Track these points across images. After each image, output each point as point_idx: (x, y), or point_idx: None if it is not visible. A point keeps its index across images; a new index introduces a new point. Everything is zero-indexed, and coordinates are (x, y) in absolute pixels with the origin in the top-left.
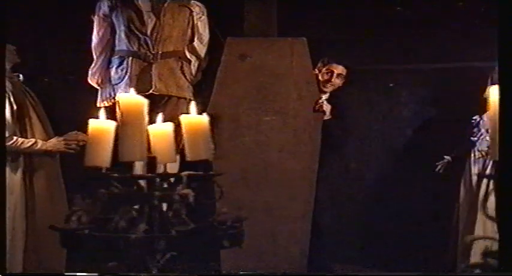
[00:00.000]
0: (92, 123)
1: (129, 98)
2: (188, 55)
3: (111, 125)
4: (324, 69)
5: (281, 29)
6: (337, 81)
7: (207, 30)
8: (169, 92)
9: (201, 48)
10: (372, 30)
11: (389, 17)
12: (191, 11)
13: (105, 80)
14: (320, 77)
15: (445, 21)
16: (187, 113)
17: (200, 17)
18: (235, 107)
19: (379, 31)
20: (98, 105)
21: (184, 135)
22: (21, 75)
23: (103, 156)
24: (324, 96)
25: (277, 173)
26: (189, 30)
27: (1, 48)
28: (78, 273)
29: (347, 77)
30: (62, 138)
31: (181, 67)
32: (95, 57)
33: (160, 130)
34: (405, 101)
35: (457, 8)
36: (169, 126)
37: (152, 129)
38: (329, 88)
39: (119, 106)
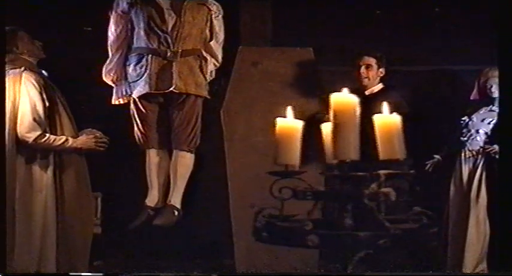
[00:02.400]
0: (280, 122)
1: (342, 97)
2: (204, 54)
3: (299, 124)
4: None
5: (276, 30)
6: (370, 73)
7: (222, 30)
8: (188, 90)
9: (217, 47)
10: (361, 32)
11: (378, 19)
12: (209, 10)
13: (121, 77)
14: (356, 74)
15: (433, 24)
16: (201, 111)
17: (217, 16)
18: (248, 110)
19: (368, 34)
20: (113, 102)
21: (378, 135)
22: (44, 71)
23: (293, 155)
24: (367, 92)
25: None
26: (207, 29)
27: (1, 47)
28: (82, 273)
29: (382, 66)
30: (92, 136)
31: (200, 65)
32: (110, 54)
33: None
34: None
35: (444, 12)
36: None
37: (325, 128)
38: (366, 82)
39: (330, 105)
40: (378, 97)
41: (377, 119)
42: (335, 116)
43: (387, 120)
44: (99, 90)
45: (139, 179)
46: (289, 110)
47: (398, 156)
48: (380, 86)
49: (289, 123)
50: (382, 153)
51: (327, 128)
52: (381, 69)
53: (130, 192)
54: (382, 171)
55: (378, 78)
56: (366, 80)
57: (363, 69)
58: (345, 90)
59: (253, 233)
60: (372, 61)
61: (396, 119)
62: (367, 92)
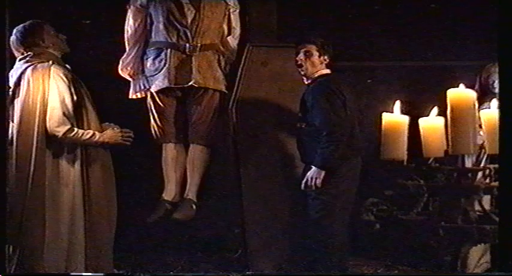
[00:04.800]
0: (386, 117)
1: (459, 93)
2: (221, 48)
3: (405, 119)
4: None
5: (281, 23)
6: (308, 61)
7: (239, 24)
8: (207, 84)
9: (233, 41)
10: (352, 27)
11: (370, 15)
12: (227, 5)
13: (138, 71)
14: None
15: (432, 20)
16: (222, 105)
17: (234, 11)
18: (258, 108)
19: (358, 28)
20: (130, 96)
21: (485, 130)
22: (67, 66)
23: (400, 150)
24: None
25: (295, 168)
26: (224, 24)
27: (1, 46)
28: (82, 273)
29: (324, 54)
30: (118, 130)
31: (218, 60)
32: (127, 48)
33: (432, 124)
34: (383, 97)
35: (442, 7)
36: (441, 120)
37: (424, 123)
38: (304, 70)
39: (446, 101)
40: (317, 81)
41: (484, 115)
42: (452, 111)
43: (493, 115)
44: (112, 85)
45: (155, 174)
46: (397, 105)
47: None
48: (324, 71)
49: (396, 118)
50: (490, 148)
51: (423, 123)
52: (324, 57)
53: (145, 186)
54: (491, 166)
55: (323, 64)
56: (304, 67)
57: (301, 56)
58: (461, 85)
59: (364, 225)
60: (312, 48)
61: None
62: (309, 80)
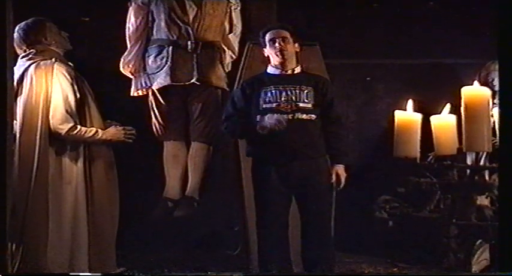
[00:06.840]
0: (399, 115)
1: (474, 90)
2: (223, 46)
3: (418, 117)
4: (267, 40)
5: (280, 21)
6: (288, 46)
7: (240, 22)
8: (209, 82)
9: (234, 39)
10: (351, 25)
11: (368, 12)
12: (228, 2)
13: (139, 69)
14: (271, 51)
15: (430, 17)
16: (223, 102)
17: (236, 9)
18: None
19: (357, 26)
20: (131, 94)
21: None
22: (70, 63)
23: (413, 147)
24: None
25: None
26: (226, 21)
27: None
28: (80, 273)
29: (296, 41)
30: (121, 128)
31: (220, 57)
32: (129, 45)
33: (444, 122)
34: (381, 94)
35: (441, 4)
36: (453, 118)
37: (436, 120)
38: (286, 54)
39: (461, 98)
40: (304, 78)
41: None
42: (466, 108)
43: None
44: (114, 82)
45: (156, 171)
46: (410, 103)
47: None
48: (299, 68)
49: (409, 116)
50: None
51: (435, 121)
52: (296, 44)
53: (146, 184)
54: None
55: (294, 56)
56: (286, 52)
57: (280, 42)
58: (476, 83)
59: (376, 222)
60: (287, 34)
61: None
62: (289, 71)
